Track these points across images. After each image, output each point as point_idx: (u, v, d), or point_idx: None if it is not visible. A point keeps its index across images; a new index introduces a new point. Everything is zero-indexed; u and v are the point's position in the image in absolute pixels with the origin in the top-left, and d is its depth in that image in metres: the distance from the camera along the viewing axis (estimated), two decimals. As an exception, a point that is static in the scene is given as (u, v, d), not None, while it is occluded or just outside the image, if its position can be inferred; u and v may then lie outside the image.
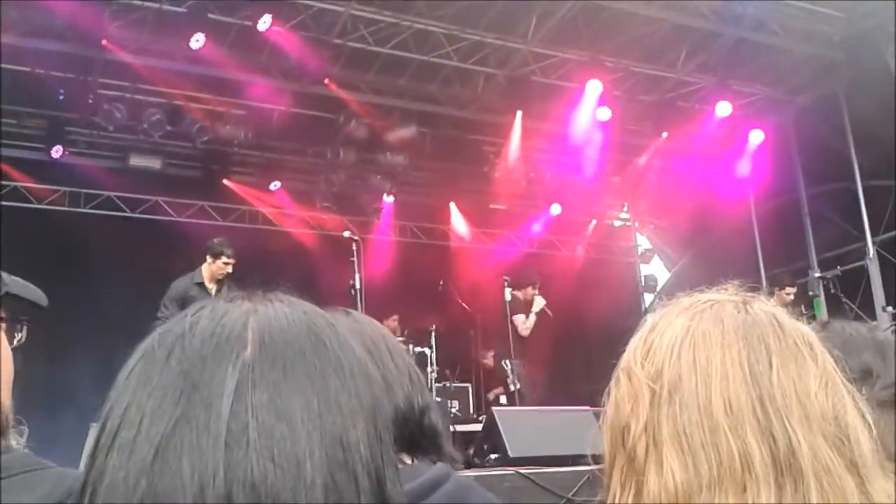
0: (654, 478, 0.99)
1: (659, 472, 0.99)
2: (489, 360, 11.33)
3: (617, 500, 1.04)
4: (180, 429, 0.73)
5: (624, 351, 1.13)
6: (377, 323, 1.74)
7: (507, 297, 9.22)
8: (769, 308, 1.10)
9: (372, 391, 0.83)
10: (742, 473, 0.95)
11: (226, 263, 7.84)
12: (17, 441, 1.31)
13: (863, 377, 1.50)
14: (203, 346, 0.78)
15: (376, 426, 0.81)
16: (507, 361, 9.51)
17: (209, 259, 7.89)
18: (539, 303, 9.60)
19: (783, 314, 1.10)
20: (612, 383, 1.11)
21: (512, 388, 9.58)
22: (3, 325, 1.37)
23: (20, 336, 1.44)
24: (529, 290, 9.68)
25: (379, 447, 0.80)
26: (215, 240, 8.16)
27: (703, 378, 1.01)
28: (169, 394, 0.75)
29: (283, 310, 0.84)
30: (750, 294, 1.13)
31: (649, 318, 1.14)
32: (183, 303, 7.33)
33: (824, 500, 0.94)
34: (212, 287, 7.85)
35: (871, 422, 1.03)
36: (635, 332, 1.15)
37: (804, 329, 1.09)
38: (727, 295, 1.13)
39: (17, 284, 1.42)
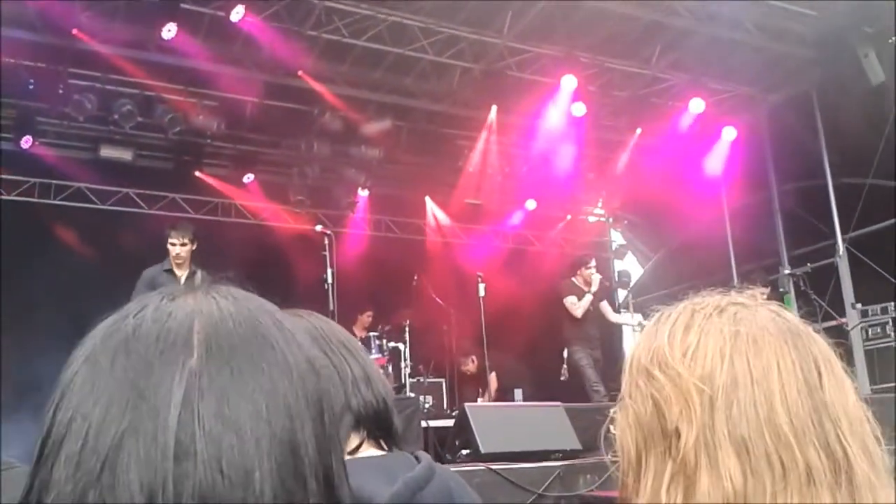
0: (708, 480, 0.96)
1: (716, 477, 0.96)
2: (469, 366, 11.30)
3: (663, 501, 1.01)
4: (128, 440, 0.71)
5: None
6: (334, 323, 1.72)
7: (482, 292, 9.18)
8: (795, 317, 1.10)
9: (319, 388, 0.82)
10: (807, 484, 0.94)
11: (172, 244, 7.55)
12: None
13: None
14: (148, 352, 0.75)
15: (324, 424, 0.80)
16: (566, 350, 9.69)
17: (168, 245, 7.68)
18: (597, 280, 9.62)
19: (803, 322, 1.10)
20: (642, 381, 1.07)
21: (562, 377, 9.78)
22: None
23: None
24: (584, 270, 9.75)
25: (327, 446, 0.79)
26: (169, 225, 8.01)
27: (762, 386, 0.99)
28: (115, 403, 0.73)
29: (228, 309, 0.81)
30: (762, 294, 1.13)
31: (672, 316, 1.10)
32: (152, 289, 7.21)
33: None
34: (181, 274, 7.61)
35: (877, 427, 1.05)
36: (653, 330, 1.10)
37: (826, 339, 1.09)
38: (748, 300, 1.11)
39: None
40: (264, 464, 0.72)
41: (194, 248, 7.70)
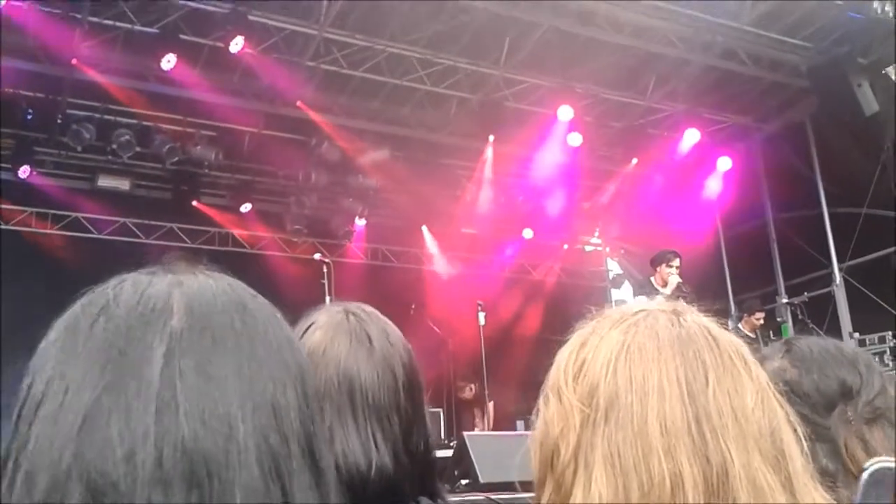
0: (581, 494, 0.96)
1: (587, 491, 0.96)
2: (466, 393, 11.22)
3: None
4: (108, 397, 0.72)
5: (550, 366, 1.10)
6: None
7: (482, 321, 9.10)
8: (701, 320, 1.07)
9: (299, 360, 0.83)
10: (672, 495, 0.92)
11: None
12: None
13: (842, 394, 1.50)
14: (129, 316, 0.77)
15: (306, 395, 0.81)
16: None
17: None
18: (673, 282, 8.58)
19: (715, 326, 1.07)
20: (541, 402, 1.08)
21: None
22: None
23: None
24: (664, 267, 8.72)
25: (309, 415, 0.80)
26: None
27: (640, 396, 0.98)
28: (94, 364, 0.74)
29: (208, 282, 0.83)
30: (680, 304, 1.11)
31: (578, 333, 1.10)
32: None
33: None
34: None
35: (801, 435, 1.02)
36: (561, 349, 1.11)
37: (737, 341, 1.06)
38: (658, 305, 1.10)
39: None
40: (247, 419, 0.73)
41: None
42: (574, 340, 1.09)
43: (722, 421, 0.96)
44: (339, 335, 1.62)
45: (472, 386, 11.06)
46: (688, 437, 0.95)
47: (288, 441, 0.76)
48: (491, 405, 10.54)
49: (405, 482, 1.52)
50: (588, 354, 1.05)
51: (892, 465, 1.22)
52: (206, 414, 0.72)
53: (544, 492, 1.03)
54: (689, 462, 0.94)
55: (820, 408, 1.48)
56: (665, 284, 8.64)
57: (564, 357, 1.08)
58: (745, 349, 1.05)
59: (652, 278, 8.90)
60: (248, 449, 0.72)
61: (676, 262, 8.69)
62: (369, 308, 1.74)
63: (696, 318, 1.07)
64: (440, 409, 10.97)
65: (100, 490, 0.68)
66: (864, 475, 1.22)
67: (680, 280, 8.56)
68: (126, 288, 0.81)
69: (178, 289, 0.80)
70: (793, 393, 1.46)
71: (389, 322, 1.72)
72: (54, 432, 0.71)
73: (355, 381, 1.55)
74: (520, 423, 10.19)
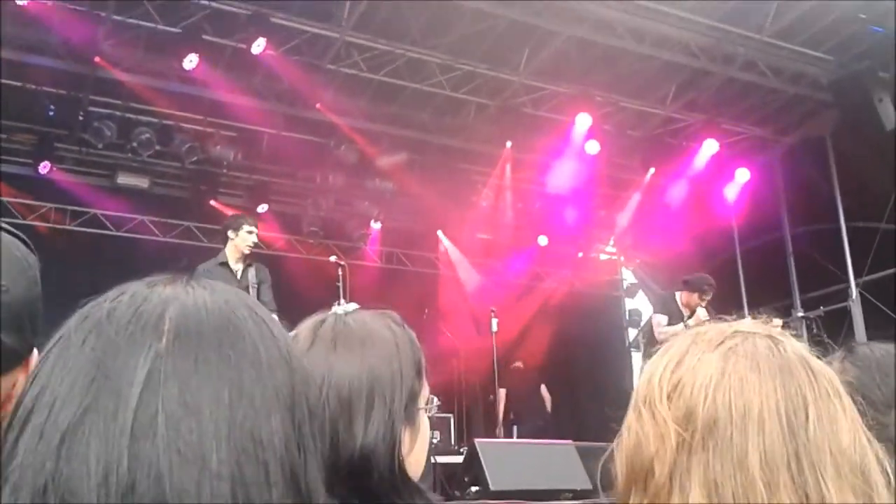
0: None
1: None
2: (518, 364, 11.65)
3: None
4: (89, 416, 0.72)
5: (625, 377, 1.09)
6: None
7: (494, 327, 9.10)
8: (799, 349, 1.07)
9: (292, 382, 0.81)
10: None
11: (249, 232, 7.28)
12: None
13: None
14: (118, 335, 0.77)
15: (294, 419, 0.79)
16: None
17: (230, 235, 7.35)
18: (701, 315, 8.10)
19: (812, 356, 1.07)
20: (633, 415, 1.07)
21: None
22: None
23: None
24: (696, 296, 8.32)
25: (297, 440, 0.79)
26: (229, 217, 7.75)
27: (740, 427, 0.97)
28: (80, 380, 0.74)
29: (203, 298, 0.82)
30: (775, 329, 1.10)
31: (673, 349, 1.09)
32: None
33: None
34: (238, 268, 7.33)
35: (889, 469, 1.02)
36: (653, 362, 1.10)
37: (831, 372, 1.06)
38: (753, 327, 1.09)
39: None
40: (222, 447, 0.73)
41: None
42: (668, 357, 1.08)
43: (820, 457, 0.96)
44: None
45: (520, 363, 11.52)
46: (787, 472, 0.95)
47: (268, 470, 0.74)
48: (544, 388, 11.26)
49: None
50: (684, 375, 1.04)
51: None
52: (181, 444, 0.71)
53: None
54: (788, 497, 0.94)
55: (881, 406, 1.55)
56: (690, 310, 8.34)
57: (657, 373, 1.07)
58: (837, 381, 1.05)
59: (678, 295, 8.52)
60: (222, 478, 0.71)
61: (710, 296, 8.39)
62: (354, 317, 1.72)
63: (795, 347, 1.06)
64: (450, 415, 10.99)
65: None
66: None
67: (708, 317, 7.87)
68: (123, 302, 0.80)
69: (172, 306, 0.79)
70: (854, 392, 1.51)
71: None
72: (38, 446, 0.72)
73: None
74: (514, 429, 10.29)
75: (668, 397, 1.03)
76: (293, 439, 0.78)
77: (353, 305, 1.63)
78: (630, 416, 1.08)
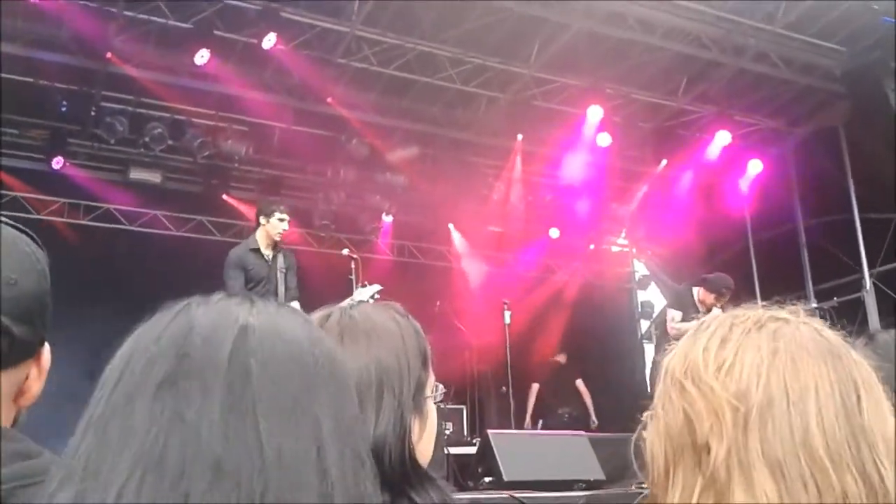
0: (743, 497, 0.96)
1: (750, 495, 0.95)
2: (560, 357, 11.92)
3: None
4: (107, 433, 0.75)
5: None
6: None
7: (507, 319, 9.10)
8: (838, 337, 1.07)
9: (356, 415, 0.85)
10: None
11: (280, 220, 7.37)
12: None
13: None
14: (168, 361, 0.79)
15: (353, 455, 0.81)
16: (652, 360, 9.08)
17: (262, 221, 7.42)
18: (714, 314, 8.06)
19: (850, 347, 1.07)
20: (674, 391, 1.05)
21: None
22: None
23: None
24: (713, 296, 8.27)
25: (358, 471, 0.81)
26: (261, 200, 7.85)
27: (799, 408, 0.97)
28: (128, 396, 0.77)
29: (284, 335, 0.83)
30: (810, 315, 1.10)
31: (713, 329, 1.08)
32: (243, 270, 7.17)
33: None
34: (268, 254, 7.41)
35: None
36: (691, 340, 1.08)
37: (869, 364, 1.07)
38: (791, 313, 1.09)
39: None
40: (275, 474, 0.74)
41: None
42: (708, 334, 1.07)
43: (874, 440, 0.97)
44: None
45: (561, 358, 11.76)
46: (848, 452, 0.95)
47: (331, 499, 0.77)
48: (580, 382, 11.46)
49: None
50: (729, 354, 1.03)
51: None
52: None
53: (675, 485, 1.02)
54: (853, 478, 0.94)
55: None
56: (705, 308, 8.29)
57: (699, 351, 1.06)
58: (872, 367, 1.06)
59: (695, 291, 8.51)
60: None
61: (726, 299, 8.28)
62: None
63: (834, 335, 1.07)
64: (463, 406, 11.03)
65: None
66: None
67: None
68: (196, 342, 0.80)
69: (252, 339, 0.81)
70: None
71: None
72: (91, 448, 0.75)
73: None
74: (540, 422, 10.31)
75: (716, 375, 1.02)
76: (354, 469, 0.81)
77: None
78: (669, 393, 1.06)
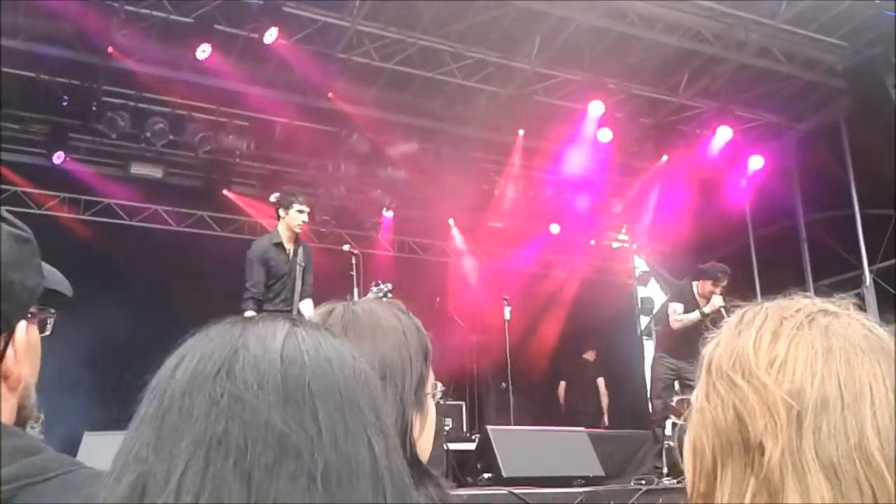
0: (797, 498, 0.93)
1: (804, 495, 0.93)
2: (589, 355, 12.06)
3: None
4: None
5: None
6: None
7: (507, 315, 9.11)
8: (887, 331, 1.04)
9: (389, 416, 0.90)
10: None
11: (300, 211, 7.29)
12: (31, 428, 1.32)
13: None
14: (256, 365, 0.80)
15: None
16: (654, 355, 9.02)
17: (281, 214, 7.36)
18: (716, 302, 8.08)
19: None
20: (722, 386, 1.02)
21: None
22: (36, 318, 1.38)
23: (49, 329, 1.45)
24: (709, 284, 8.34)
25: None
26: (280, 191, 7.76)
27: (853, 408, 0.95)
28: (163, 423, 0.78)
29: (326, 338, 0.87)
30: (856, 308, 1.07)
31: (763, 322, 1.04)
32: (266, 265, 7.15)
33: None
34: (290, 248, 7.36)
35: None
36: (736, 333, 1.04)
37: None
38: (839, 306, 1.06)
39: (54, 276, 1.44)
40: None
41: None
42: (757, 327, 1.04)
43: None
44: None
45: (591, 353, 11.93)
46: None
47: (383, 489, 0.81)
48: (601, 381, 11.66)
49: None
50: (781, 350, 1.00)
51: None
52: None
53: (723, 481, 0.99)
54: None
55: None
56: (706, 299, 8.31)
57: (749, 345, 1.02)
58: None
59: (694, 285, 8.54)
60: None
61: (724, 283, 8.32)
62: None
63: (883, 331, 1.04)
64: (462, 402, 11.04)
65: None
66: None
67: (724, 304, 7.94)
68: (234, 327, 0.84)
69: (293, 339, 0.84)
70: None
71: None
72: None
73: None
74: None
75: (768, 370, 0.99)
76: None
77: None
78: (715, 386, 1.03)
